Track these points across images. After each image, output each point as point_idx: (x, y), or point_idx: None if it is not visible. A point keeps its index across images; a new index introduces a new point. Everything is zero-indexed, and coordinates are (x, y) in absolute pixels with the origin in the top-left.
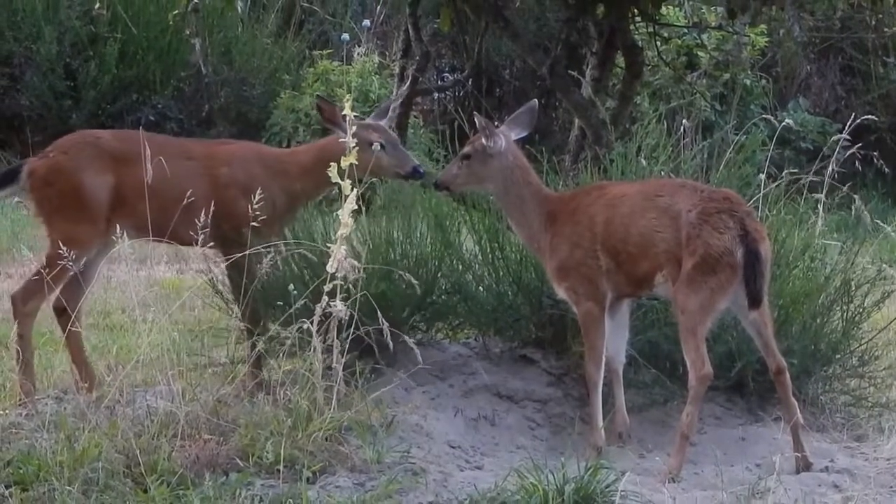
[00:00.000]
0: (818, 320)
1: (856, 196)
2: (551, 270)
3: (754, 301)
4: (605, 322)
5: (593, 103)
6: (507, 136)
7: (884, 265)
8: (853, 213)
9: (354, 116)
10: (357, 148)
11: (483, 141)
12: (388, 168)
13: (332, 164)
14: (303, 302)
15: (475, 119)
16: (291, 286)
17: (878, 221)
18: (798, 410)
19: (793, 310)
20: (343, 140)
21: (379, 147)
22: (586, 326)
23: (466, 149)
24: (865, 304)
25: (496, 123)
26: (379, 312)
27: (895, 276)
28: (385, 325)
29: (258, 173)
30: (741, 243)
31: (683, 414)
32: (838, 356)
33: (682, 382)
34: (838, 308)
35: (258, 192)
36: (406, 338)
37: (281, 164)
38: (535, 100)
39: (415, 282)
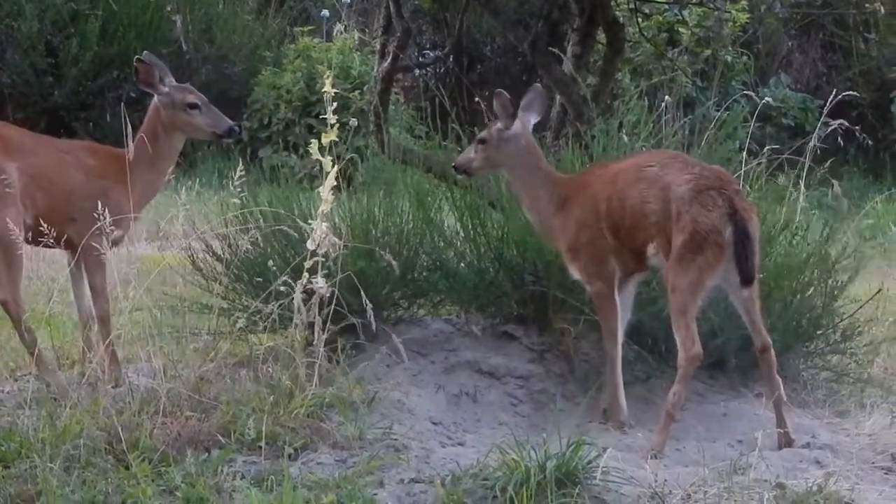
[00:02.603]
0: (799, 296)
1: (835, 182)
2: (563, 252)
3: (746, 279)
4: (616, 299)
5: (574, 80)
6: (523, 120)
7: (863, 241)
8: (830, 195)
9: (335, 93)
10: (174, 110)
11: (499, 125)
12: (204, 128)
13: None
14: (284, 279)
15: (496, 99)
16: (271, 263)
17: (851, 203)
18: (781, 388)
19: (774, 286)
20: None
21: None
22: (599, 305)
23: (482, 133)
24: (843, 281)
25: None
26: (361, 290)
27: (874, 254)
28: (368, 307)
29: None
30: (730, 221)
31: (670, 393)
32: (819, 332)
33: (664, 359)
34: (818, 284)
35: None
36: (382, 325)
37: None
38: (539, 85)
39: (394, 262)
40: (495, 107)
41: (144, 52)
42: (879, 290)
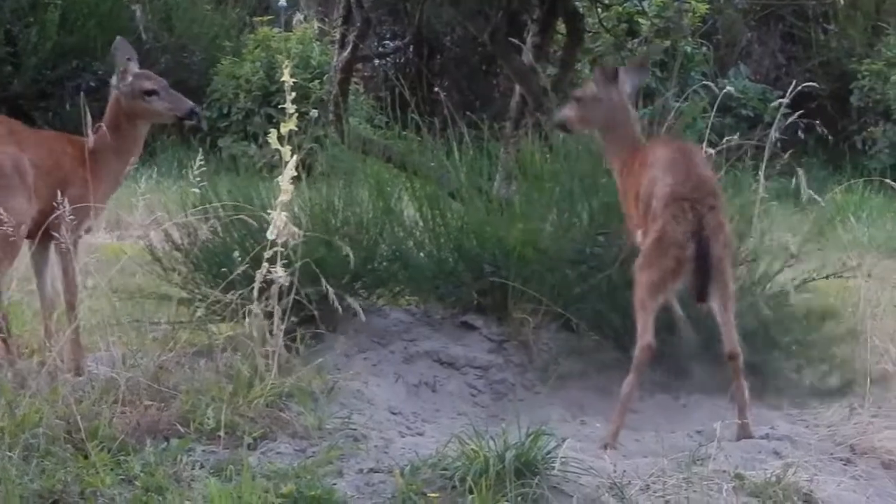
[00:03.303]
0: (759, 287)
1: (799, 170)
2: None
3: (699, 297)
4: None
5: (534, 70)
6: (619, 86)
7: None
8: (793, 183)
9: (295, 83)
10: (133, 98)
11: (594, 88)
12: (165, 112)
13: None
14: (243, 268)
15: (597, 70)
16: (236, 254)
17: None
18: (747, 393)
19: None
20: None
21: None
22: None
23: (578, 91)
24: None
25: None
26: (323, 280)
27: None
28: (330, 291)
29: None
30: (693, 240)
31: (624, 382)
32: (777, 322)
33: (624, 350)
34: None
35: None
36: (351, 301)
37: None
38: (643, 57)
39: (350, 252)
40: (595, 75)
41: (118, 37)
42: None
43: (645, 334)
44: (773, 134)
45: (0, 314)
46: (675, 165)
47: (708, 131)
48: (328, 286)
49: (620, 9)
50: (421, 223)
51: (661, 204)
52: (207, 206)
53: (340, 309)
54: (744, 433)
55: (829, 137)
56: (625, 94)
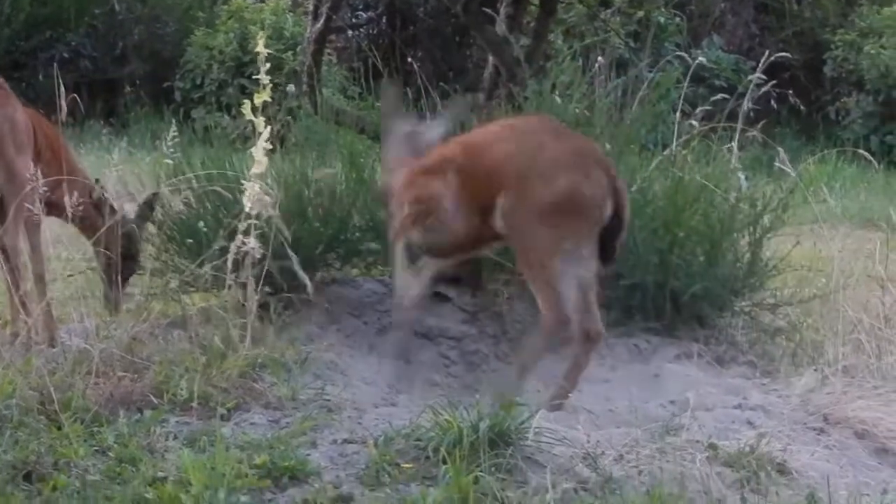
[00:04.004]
0: (724, 250)
1: (780, 149)
2: None
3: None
4: None
5: (507, 41)
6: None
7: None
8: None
9: (268, 54)
10: None
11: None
12: None
13: None
14: (216, 238)
15: None
16: (202, 224)
17: (781, 166)
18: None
19: (698, 240)
20: None
21: None
22: None
23: None
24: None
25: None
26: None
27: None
28: (298, 268)
29: None
30: None
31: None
32: (746, 290)
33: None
34: (745, 237)
35: None
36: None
37: None
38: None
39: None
40: None
41: None
42: (797, 243)
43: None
44: (746, 104)
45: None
46: None
47: (681, 102)
48: (295, 259)
49: None
50: None
51: None
52: (181, 177)
53: (309, 282)
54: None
55: (803, 108)
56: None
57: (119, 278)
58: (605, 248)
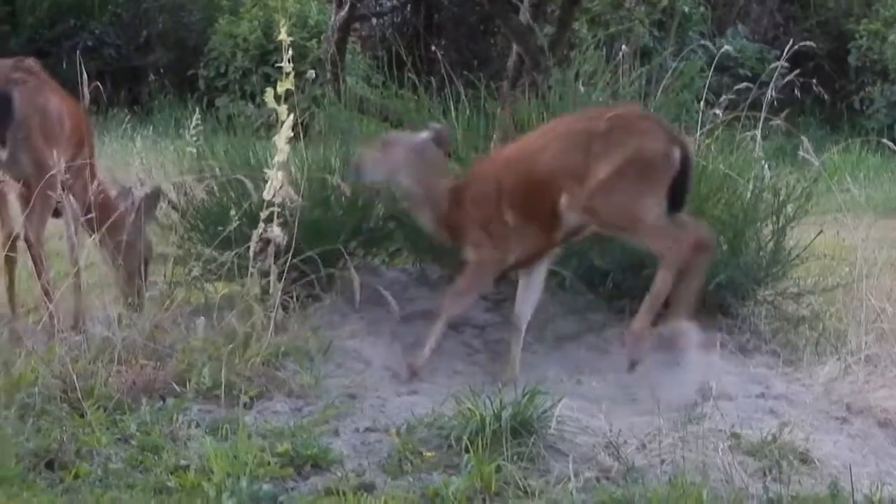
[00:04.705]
0: (747, 239)
1: (804, 138)
2: None
3: None
4: None
5: (531, 29)
6: None
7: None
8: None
9: (292, 42)
10: None
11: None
12: None
13: None
14: (239, 227)
15: None
16: (233, 213)
17: (805, 155)
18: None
19: (721, 229)
20: None
21: None
22: None
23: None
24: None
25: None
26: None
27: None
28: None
29: None
30: None
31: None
32: (769, 279)
33: (618, 308)
34: (768, 226)
35: None
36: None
37: None
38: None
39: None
40: None
41: None
42: (821, 232)
43: None
44: (770, 93)
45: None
46: None
47: (705, 91)
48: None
49: None
50: None
51: None
52: (204, 164)
53: (333, 271)
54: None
55: (826, 97)
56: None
57: (138, 278)
58: (673, 197)
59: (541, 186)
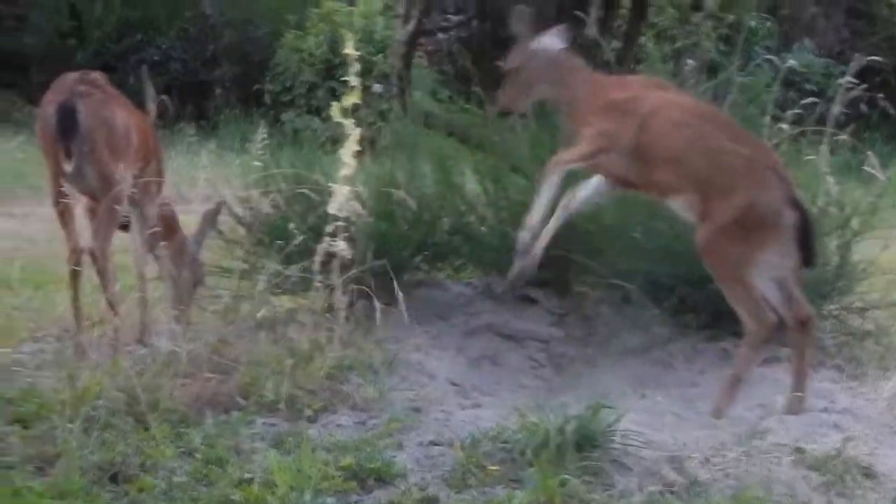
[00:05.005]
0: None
1: (870, 153)
2: None
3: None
4: None
5: (598, 44)
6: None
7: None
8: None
9: (358, 56)
10: None
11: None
12: None
13: None
14: (304, 241)
15: None
16: (292, 225)
17: (871, 170)
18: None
19: None
20: None
21: None
22: None
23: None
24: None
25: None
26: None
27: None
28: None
29: None
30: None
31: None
32: (834, 293)
33: (683, 323)
34: (834, 240)
35: None
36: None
37: None
38: None
39: (410, 200)
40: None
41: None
42: (886, 247)
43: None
44: (837, 108)
45: (109, 278)
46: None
47: (771, 105)
48: (386, 263)
49: None
50: (483, 197)
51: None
52: (270, 178)
53: (394, 286)
54: (798, 407)
55: (893, 112)
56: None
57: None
58: (803, 252)
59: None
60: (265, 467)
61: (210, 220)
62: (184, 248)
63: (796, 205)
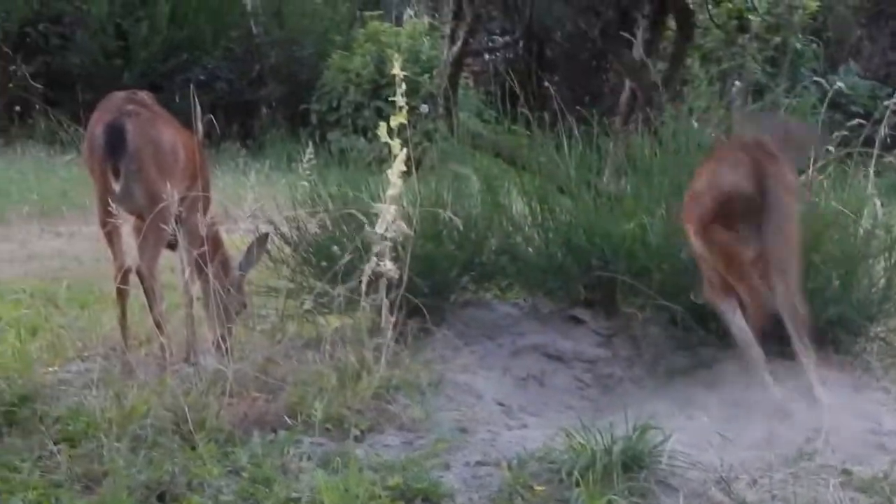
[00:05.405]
0: (859, 276)
1: None
2: None
3: None
4: None
5: (645, 65)
6: None
7: None
8: None
9: (404, 77)
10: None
11: None
12: None
13: None
14: (351, 261)
15: None
16: (338, 245)
17: None
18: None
19: (833, 266)
20: None
21: None
22: None
23: None
24: None
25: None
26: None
27: None
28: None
29: None
30: None
31: None
32: (881, 315)
33: (729, 344)
34: (881, 262)
35: None
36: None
37: None
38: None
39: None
40: None
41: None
42: None
43: None
44: (883, 130)
45: (155, 298)
46: None
47: (818, 127)
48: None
49: (731, 5)
50: (530, 218)
51: None
52: (316, 198)
53: (441, 306)
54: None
55: None
56: None
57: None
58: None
59: None
60: (312, 487)
61: (256, 249)
62: (227, 268)
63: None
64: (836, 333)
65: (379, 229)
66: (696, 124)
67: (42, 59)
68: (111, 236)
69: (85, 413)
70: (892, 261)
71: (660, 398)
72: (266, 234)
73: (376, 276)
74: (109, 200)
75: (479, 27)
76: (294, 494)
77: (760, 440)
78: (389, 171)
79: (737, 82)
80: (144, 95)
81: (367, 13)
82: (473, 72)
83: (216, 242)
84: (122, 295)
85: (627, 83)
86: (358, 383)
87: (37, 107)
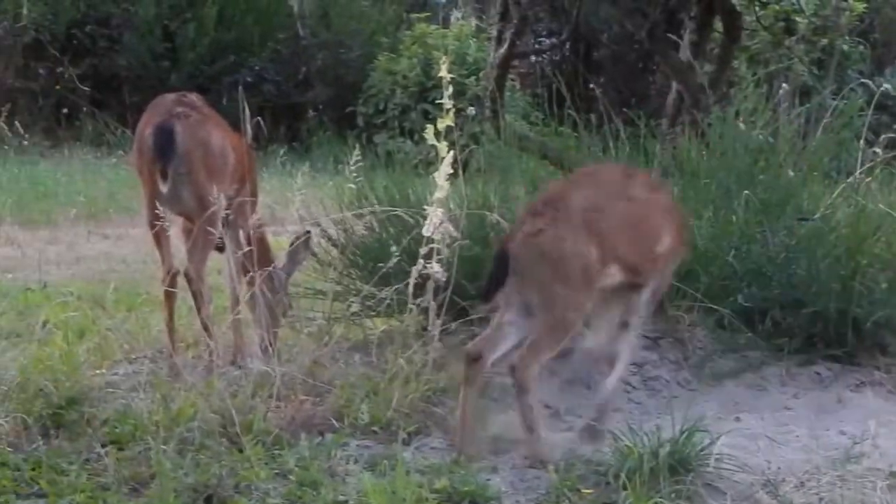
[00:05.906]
0: None
1: None
2: None
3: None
4: None
5: (692, 67)
6: None
7: None
8: None
9: (451, 80)
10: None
11: None
12: None
13: None
14: (398, 263)
15: None
16: (393, 249)
17: None
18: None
19: (880, 268)
20: None
21: None
22: None
23: None
24: None
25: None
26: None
27: None
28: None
29: None
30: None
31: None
32: None
33: (777, 347)
34: None
35: None
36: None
37: None
38: None
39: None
40: None
41: None
42: None
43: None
44: None
45: (202, 301)
46: None
47: (865, 129)
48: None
49: (778, 7)
50: None
51: None
52: (363, 201)
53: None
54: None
55: None
56: None
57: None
58: None
59: None
60: (359, 490)
61: (298, 251)
62: (273, 271)
63: None
64: (884, 336)
65: (426, 232)
66: (742, 126)
67: (89, 62)
68: (159, 238)
69: (132, 416)
70: None
71: (707, 401)
72: (308, 233)
73: (423, 279)
74: (157, 202)
75: (526, 29)
76: (341, 497)
77: (808, 443)
78: (436, 174)
79: (784, 84)
80: (194, 97)
81: (414, 15)
82: (520, 74)
83: (263, 245)
84: (169, 297)
85: (674, 85)
86: (405, 386)
87: (84, 109)
